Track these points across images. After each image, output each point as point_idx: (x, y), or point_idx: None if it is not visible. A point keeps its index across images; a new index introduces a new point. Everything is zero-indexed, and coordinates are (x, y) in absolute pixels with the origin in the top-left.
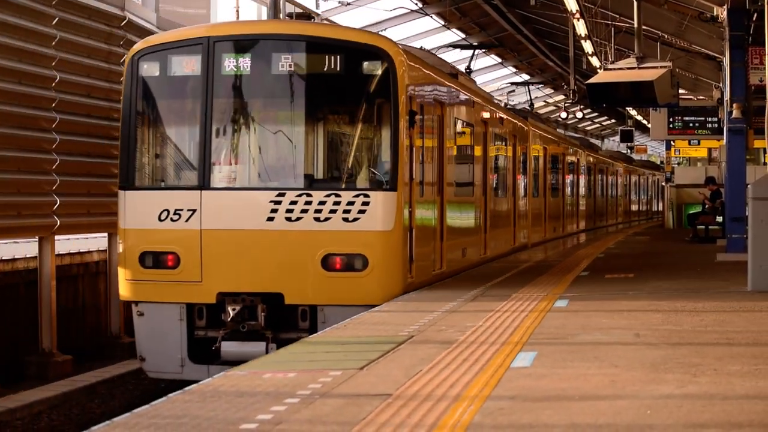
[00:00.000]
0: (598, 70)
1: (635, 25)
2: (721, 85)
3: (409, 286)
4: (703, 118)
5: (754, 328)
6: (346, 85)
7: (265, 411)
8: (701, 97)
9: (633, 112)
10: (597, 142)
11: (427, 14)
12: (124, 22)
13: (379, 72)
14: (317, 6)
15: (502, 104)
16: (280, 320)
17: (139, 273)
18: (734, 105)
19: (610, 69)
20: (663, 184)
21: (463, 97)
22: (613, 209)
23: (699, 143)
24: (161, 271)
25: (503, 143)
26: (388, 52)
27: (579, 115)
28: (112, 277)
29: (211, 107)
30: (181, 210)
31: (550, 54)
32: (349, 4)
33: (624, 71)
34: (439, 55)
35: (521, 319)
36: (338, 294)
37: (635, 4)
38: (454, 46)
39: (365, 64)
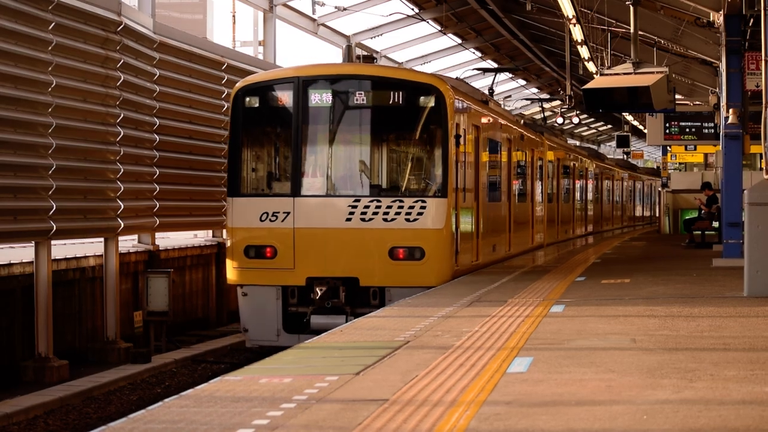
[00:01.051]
0: (595, 76)
1: (631, 31)
2: (717, 90)
3: (455, 273)
4: (699, 124)
5: (751, 334)
6: (406, 114)
7: (261, 416)
8: (698, 103)
9: (629, 118)
10: (594, 147)
11: (423, 20)
12: (121, 27)
13: (433, 104)
14: (314, 12)
15: (521, 122)
16: (356, 298)
17: (244, 262)
18: (731, 110)
19: (607, 74)
20: (659, 189)
21: (492, 119)
22: (619, 214)
23: (695, 148)
24: (262, 261)
25: (523, 156)
26: (440, 89)
27: (575, 120)
28: (108, 281)
29: (300, 132)
30: (278, 212)
31: (546, 59)
32: (345, 9)
33: (620, 76)
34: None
35: (517, 324)
36: (401, 278)
37: (631, 9)
38: (482, 70)
39: (422, 98)
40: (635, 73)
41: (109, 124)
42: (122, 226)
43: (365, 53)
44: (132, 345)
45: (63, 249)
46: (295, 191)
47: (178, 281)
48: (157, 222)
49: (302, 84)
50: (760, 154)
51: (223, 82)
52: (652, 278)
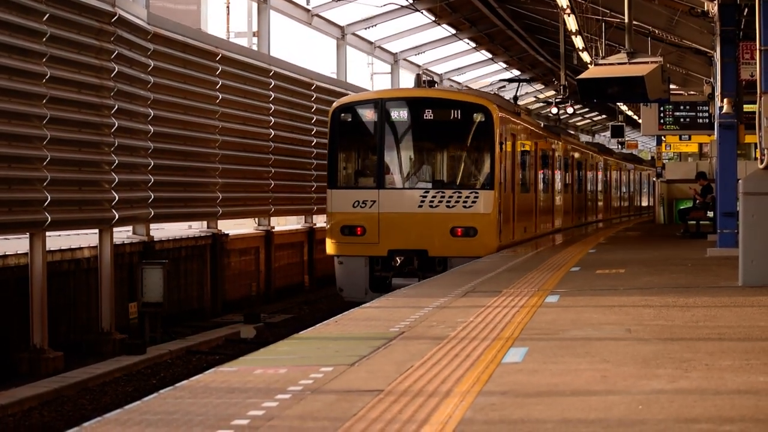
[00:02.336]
0: (589, 66)
1: (626, 21)
2: (711, 80)
3: (499, 247)
4: (694, 114)
5: (746, 323)
6: (463, 127)
7: (256, 407)
8: (692, 93)
9: (624, 108)
10: (588, 137)
11: (417, 10)
12: (115, 18)
13: (483, 119)
14: (308, 2)
15: (542, 125)
16: (425, 266)
17: (340, 238)
18: (725, 100)
19: (601, 64)
20: (654, 179)
21: (522, 127)
22: (626, 203)
23: (690, 138)
24: (353, 237)
25: (545, 154)
26: (488, 108)
27: (570, 110)
28: (102, 273)
29: (382, 140)
30: (366, 201)
31: (540, 49)
32: (339, 0)
33: (615, 67)
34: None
35: (512, 314)
36: (459, 250)
37: None
38: (508, 80)
39: (474, 114)
40: (630, 63)
41: (103, 115)
42: (117, 217)
43: (429, 79)
44: (127, 336)
45: (58, 240)
46: (380, 185)
47: (173, 272)
48: (152, 213)
49: (383, 103)
50: (755, 144)
51: (218, 73)
52: (647, 268)
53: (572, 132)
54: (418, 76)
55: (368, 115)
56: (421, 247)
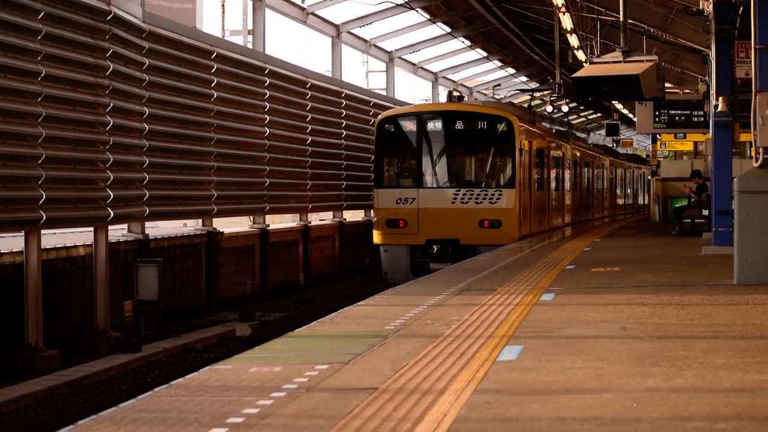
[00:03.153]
0: (584, 64)
1: (621, 19)
2: (707, 78)
3: (519, 237)
4: (689, 112)
5: (740, 322)
6: (488, 135)
7: (251, 405)
8: (687, 91)
9: (619, 106)
10: (583, 136)
11: (412, 8)
12: (110, 16)
13: (505, 129)
14: (303, 1)
15: (553, 130)
16: (457, 252)
17: (385, 230)
18: (720, 98)
19: (596, 63)
20: (648, 177)
21: (537, 133)
22: (630, 200)
23: (685, 137)
24: (396, 229)
25: (556, 157)
26: (510, 119)
27: (565, 108)
28: (97, 271)
29: (420, 147)
30: (407, 198)
31: (535, 48)
32: None
33: (610, 65)
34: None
35: (507, 312)
36: (486, 239)
37: None
38: (522, 91)
39: (498, 125)
40: (625, 62)
41: (98, 113)
42: (112, 215)
43: (459, 94)
44: (122, 334)
45: (53, 239)
46: (418, 185)
47: (167, 270)
48: (147, 211)
49: (421, 116)
50: (750, 142)
51: (213, 71)
52: (641, 266)
53: (581, 135)
54: (450, 92)
55: (408, 125)
56: (454, 236)
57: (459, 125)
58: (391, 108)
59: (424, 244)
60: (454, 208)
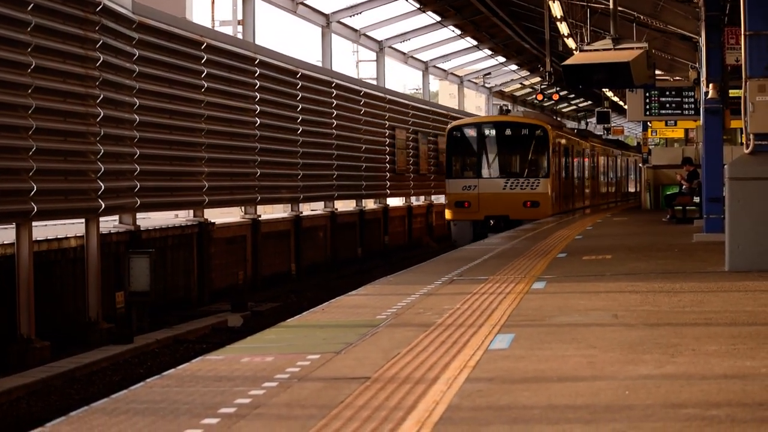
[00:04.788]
0: (574, 52)
1: (611, 6)
2: (697, 65)
3: (552, 214)
4: (679, 99)
5: (732, 308)
6: (530, 139)
7: (243, 395)
8: (677, 78)
9: (609, 94)
10: (574, 124)
11: None
12: (100, 7)
13: (542, 134)
14: None
15: (575, 131)
16: (507, 225)
17: (455, 209)
18: (710, 85)
19: (586, 50)
20: (640, 165)
21: (564, 135)
22: (634, 188)
23: (676, 124)
24: (463, 209)
25: (577, 152)
26: (545, 127)
27: (555, 97)
28: (89, 262)
29: (479, 147)
30: (471, 185)
31: (525, 36)
32: None
33: (600, 53)
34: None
35: (499, 301)
36: (529, 215)
37: None
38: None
39: (536, 131)
40: (615, 49)
41: (88, 105)
42: (103, 206)
43: (507, 108)
44: (114, 325)
45: (44, 230)
46: (478, 176)
47: (159, 261)
48: (138, 202)
49: (480, 125)
50: (741, 129)
51: (203, 62)
52: (633, 254)
53: (596, 133)
54: (500, 107)
55: (470, 132)
56: (505, 213)
57: (507, 132)
58: (387, 95)
59: (483, 219)
60: (505, 192)
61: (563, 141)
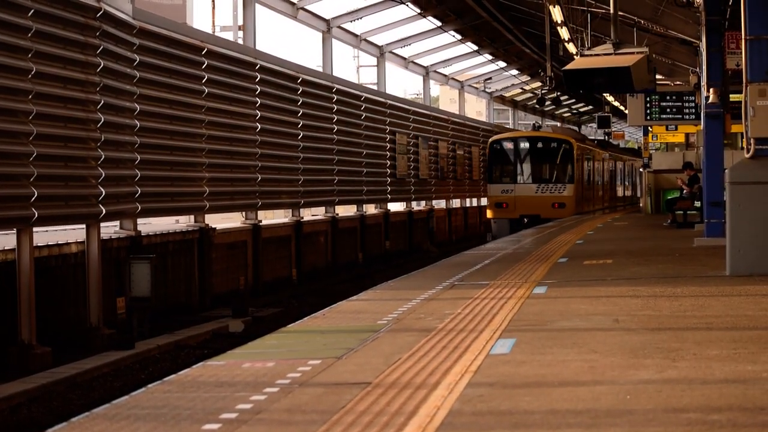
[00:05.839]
0: (575, 57)
1: (611, 11)
2: (697, 70)
3: (576, 213)
4: (680, 104)
5: (733, 313)
6: (557, 151)
7: (244, 400)
8: (678, 83)
9: (610, 98)
10: (575, 127)
11: (403, 2)
12: (100, 13)
13: (569, 147)
14: None
15: (595, 142)
16: (539, 223)
17: (495, 209)
18: (711, 90)
19: (587, 55)
20: (641, 170)
21: (586, 147)
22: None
23: (676, 128)
24: (501, 209)
25: (597, 160)
26: (571, 141)
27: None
28: (90, 268)
29: (515, 157)
30: (508, 189)
31: (526, 41)
32: None
33: (600, 57)
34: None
35: (500, 306)
36: (557, 214)
37: None
38: (546, 99)
39: (564, 145)
40: (615, 54)
41: (89, 110)
42: (104, 212)
43: (539, 125)
44: (115, 331)
45: (45, 236)
46: (514, 181)
47: (160, 267)
48: (139, 208)
49: (516, 139)
50: (741, 134)
51: (204, 67)
52: (634, 258)
53: (613, 143)
54: (534, 124)
55: (508, 145)
56: (537, 213)
57: (539, 145)
58: (391, 101)
59: (518, 218)
60: (537, 195)
61: (585, 152)
